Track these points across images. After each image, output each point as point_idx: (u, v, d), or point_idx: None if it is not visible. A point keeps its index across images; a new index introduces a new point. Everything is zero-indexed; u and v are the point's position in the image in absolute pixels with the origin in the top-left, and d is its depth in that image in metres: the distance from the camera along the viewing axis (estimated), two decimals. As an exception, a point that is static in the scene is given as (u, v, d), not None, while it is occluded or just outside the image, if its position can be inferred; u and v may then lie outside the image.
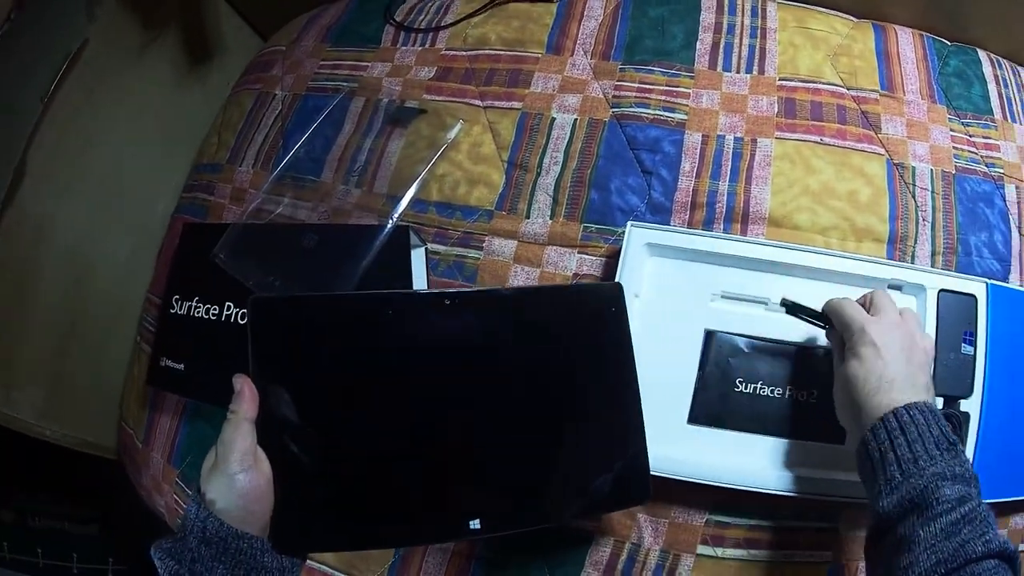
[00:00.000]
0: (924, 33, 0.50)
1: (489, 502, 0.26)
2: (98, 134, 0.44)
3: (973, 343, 0.36)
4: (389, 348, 0.26)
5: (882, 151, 0.41)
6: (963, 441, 0.35)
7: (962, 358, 0.37)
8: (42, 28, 0.39)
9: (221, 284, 0.35)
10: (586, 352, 0.27)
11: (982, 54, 0.52)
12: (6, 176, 0.36)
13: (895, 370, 0.25)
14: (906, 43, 0.48)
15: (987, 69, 0.49)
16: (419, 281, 0.37)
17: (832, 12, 0.49)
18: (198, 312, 0.37)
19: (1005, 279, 0.41)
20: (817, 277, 0.34)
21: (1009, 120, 0.46)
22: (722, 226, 0.35)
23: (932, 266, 0.38)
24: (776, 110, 0.40)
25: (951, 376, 0.36)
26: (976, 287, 0.37)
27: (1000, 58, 0.52)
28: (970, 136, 0.44)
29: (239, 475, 0.22)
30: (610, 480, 0.26)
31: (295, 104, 0.44)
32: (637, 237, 0.32)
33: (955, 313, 0.37)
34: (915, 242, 0.39)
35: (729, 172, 0.36)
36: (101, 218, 0.45)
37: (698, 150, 0.37)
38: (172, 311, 0.39)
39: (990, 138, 0.44)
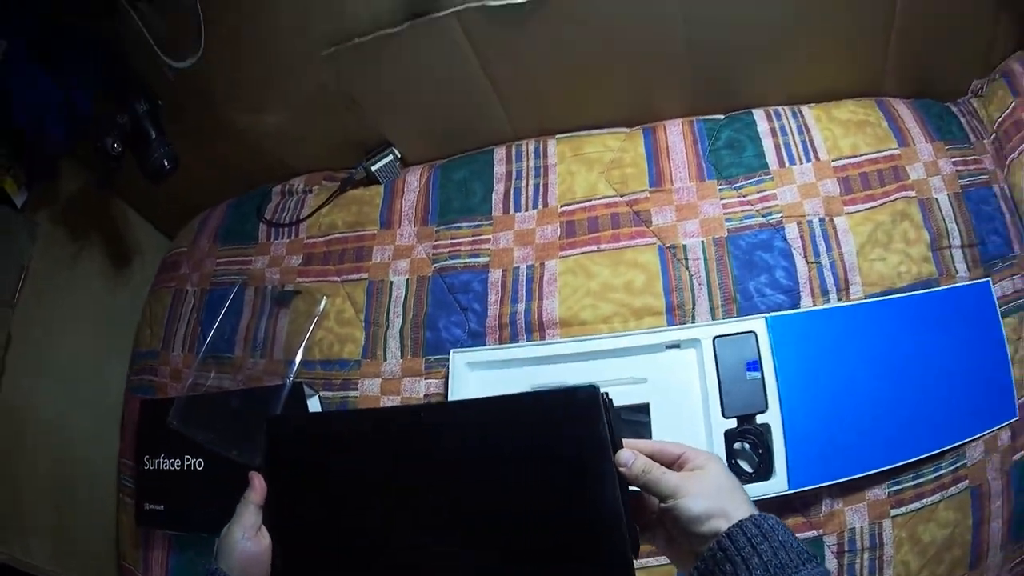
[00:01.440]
0: (695, 119, 0.86)
1: None
2: (54, 332, 0.83)
3: (759, 368, 0.69)
4: (379, 453, 0.46)
5: (654, 240, 0.77)
6: (770, 449, 0.65)
7: (750, 383, 0.69)
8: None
9: (178, 443, 0.72)
10: (560, 445, 0.43)
11: (758, 113, 0.88)
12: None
13: (727, 497, 0.40)
14: (676, 136, 0.86)
15: (762, 126, 0.87)
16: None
17: (606, 131, 0.85)
18: (165, 465, 0.75)
19: (796, 305, 0.75)
20: (607, 356, 0.65)
21: (787, 165, 0.83)
22: (525, 337, 0.68)
23: (713, 319, 0.72)
24: (559, 234, 0.76)
25: (743, 399, 0.69)
26: (755, 324, 0.69)
27: (778, 108, 0.88)
28: (743, 196, 0.80)
29: (242, 542, 0.42)
30: (585, 562, 0.41)
31: (203, 297, 0.84)
32: (459, 360, 0.66)
33: (734, 350, 0.71)
34: (693, 305, 0.75)
35: (524, 294, 0.71)
36: (69, 401, 0.84)
37: (500, 283, 0.72)
38: (145, 467, 0.76)
39: (765, 190, 0.81)
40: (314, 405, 0.79)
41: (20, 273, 0.82)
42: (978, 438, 0.76)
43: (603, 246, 0.78)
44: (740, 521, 0.39)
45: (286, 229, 0.87)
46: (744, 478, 0.70)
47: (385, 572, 0.46)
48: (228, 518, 0.70)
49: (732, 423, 0.71)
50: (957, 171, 0.86)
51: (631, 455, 0.42)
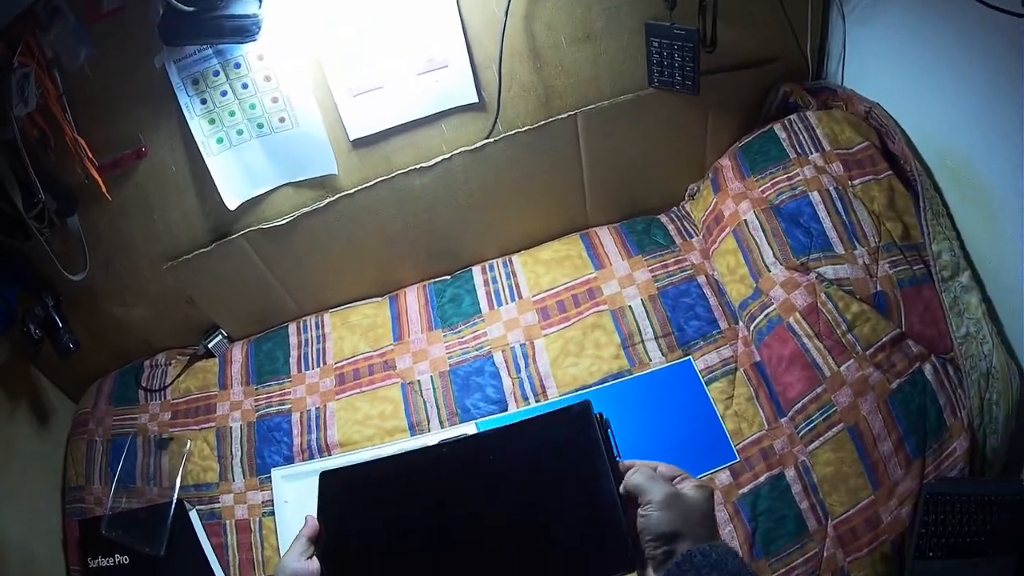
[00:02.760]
0: (428, 282, 1.62)
1: None
2: (7, 473, 1.57)
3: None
4: (407, 490, 0.83)
5: (398, 379, 1.47)
6: None
7: None
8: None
9: (109, 546, 1.52)
10: (565, 458, 0.77)
11: (476, 269, 1.61)
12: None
13: (693, 522, 0.65)
14: (412, 299, 1.58)
15: (478, 279, 1.58)
16: (197, 526, 1.53)
17: (364, 302, 1.62)
18: (104, 563, 1.56)
19: (504, 410, 1.44)
20: None
21: (495, 307, 1.54)
22: (319, 455, 1.47)
23: (442, 428, 1.44)
24: (334, 384, 1.50)
25: None
26: (468, 427, 1.42)
27: (493, 261, 1.62)
28: (461, 337, 1.51)
29: (293, 563, 0.76)
30: (594, 558, 0.72)
31: (108, 446, 1.51)
32: (276, 475, 1.46)
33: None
34: (428, 421, 1.44)
35: (315, 427, 1.49)
36: (26, 531, 1.59)
37: (300, 421, 1.51)
38: (91, 567, 1.57)
39: (478, 330, 1.51)
40: (194, 516, 1.60)
41: None
42: None
43: (363, 388, 1.46)
44: (690, 550, 0.61)
45: (157, 393, 1.58)
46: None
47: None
48: None
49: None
50: (654, 276, 1.47)
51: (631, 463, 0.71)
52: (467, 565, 0.78)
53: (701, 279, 1.53)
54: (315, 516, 0.83)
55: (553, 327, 1.51)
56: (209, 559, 1.51)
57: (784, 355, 1.35)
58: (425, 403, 1.47)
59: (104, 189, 1.27)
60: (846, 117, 1.43)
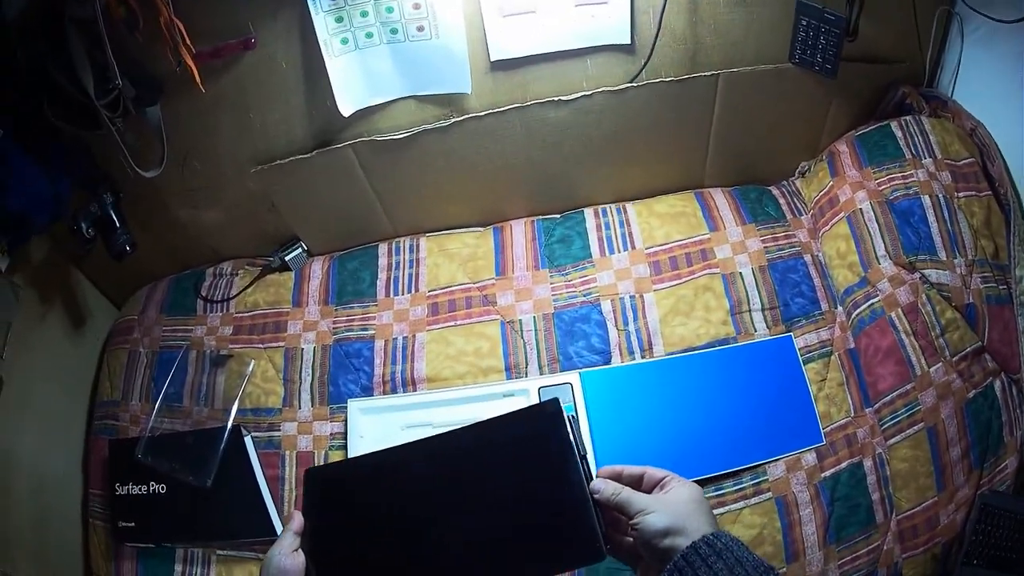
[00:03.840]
0: (536, 218, 1.52)
1: None
2: (29, 381, 1.38)
3: (574, 411, 1.33)
4: (388, 486, 0.86)
5: (497, 316, 1.37)
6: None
7: None
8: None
9: (144, 472, 1.36)
10: (536, 455, 0.80)
11: (588, 212, 1.51)
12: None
13: (690, 516, 0.65)
14: (519, 233, 1.48)
15: (590, 223, 1.48)
16: (252, 454, 1.36)
17: (465, 231, 1.52)
18: (134, 491, 1.38)
19: (607, 363, 1.36)
20: (461, 403, 1.33)
21: (607, 255, 1.45)
22: (402, 389, 1.35)
23: (541, 374, 1.35)
24: (426, 313, 1.38)
25: None
26: (571, 377, 1.33)
27: (606, 206, 1.53)
28: (569, 281, 1.41)
29: (279, 557, 0.78)
30: (564, 548, 0.76)
31: (154, 359, 1.43)
32: (354, 407, 1.33)
33: (553, 397, 1.11)
34: (527, 364, 1.35)
35: (401, 358, 1.37)
36: (43, 442, 1.40)
37: (383, 350, 1.37)
38: (117, 494, 1.39)
39: (588, 275, 1.42)
40: (249, 443, 1.43)
41: (7, 329, 1.34)
42: (779, 459, 1.29)
43: (459, 322, 1.36)
44: (694, 541, 0.61)
45: (219, 305, 1.45)
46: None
47: (399, 571, 0.80)
48: (188, 529, 1.46)
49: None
50: (765, 247, 1.42)
51: (601, 483, 0.72)
52: (442, 559, 0.83)
53: (807, 258, 1.49)
54: (299, 511, 0.85)
55: (664, 283, 1.45)
56: (263, 493, 1.37)
57: (882, 347, 1.35)
58: (525, 345, 1.39)
59: (199, 80, 1.13)
60: (955, 130, 1.45)
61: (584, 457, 0.80)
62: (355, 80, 1.24)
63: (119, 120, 1.18)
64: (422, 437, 0.88)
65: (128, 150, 1.20)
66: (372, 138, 1.32)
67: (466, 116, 1.31)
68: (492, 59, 1.27)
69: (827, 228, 1.49)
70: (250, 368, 1.42)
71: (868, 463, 1.33)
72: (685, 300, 1.42)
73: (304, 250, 1.50)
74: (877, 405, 1.34)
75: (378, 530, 0.86)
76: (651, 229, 1.49)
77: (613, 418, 1.33)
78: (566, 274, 1.45)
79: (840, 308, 1.44)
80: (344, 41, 1.21)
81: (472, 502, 0.84)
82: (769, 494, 1.31)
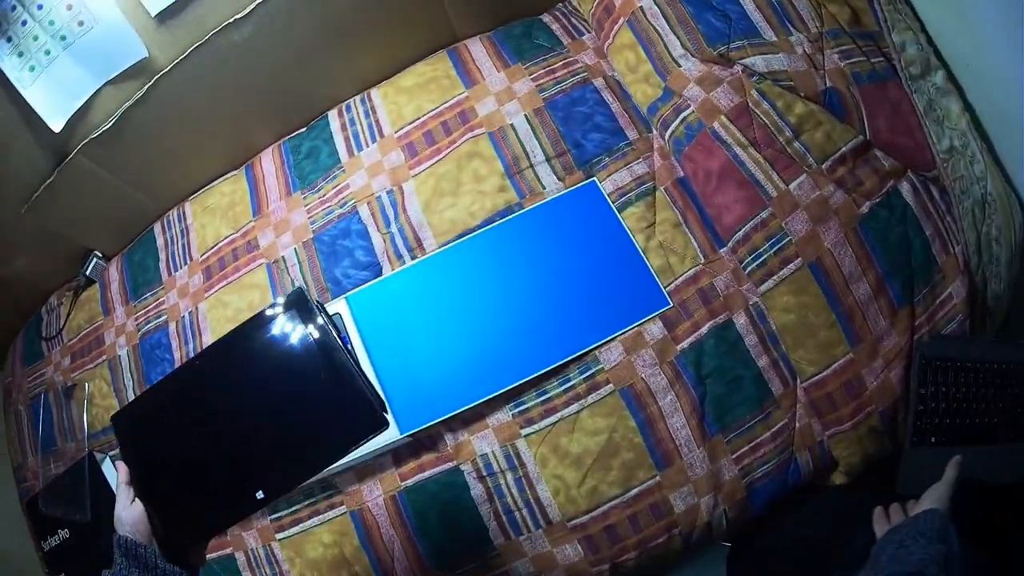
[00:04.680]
0: (284, 139, 1.38)
1: (267, 477, 0.93)
2: None
3: (348, 341, 1.13)
4: (179, 405, 1.04)
5: (263, 260, 1.26)
6: None
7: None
8: None
9: (50, 523, 1.43)
10: (299, 345, 0.96)
11: (332, 114, 1.35)
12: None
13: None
14: (268, 163, 1.35)
15: (334, 124, 1.32)
16: (110, 475, 1.29)
17: (222, 179, 1.43)
18: (52, 542, 1.43)
19: (378, 275, 1.19)
20: None
21: (356, 154, 1.28)
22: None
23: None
24: (201, 281, 1.31)
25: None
26: (339, 305, 1.16)
27: (349, 100, 1.35)
28: (322, 197, 1.27)
29: (123, 513, 0.93)
30: (349, 427, 0.93)
31: (29, 412, 1.54)
32: None
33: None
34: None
35: (191, 335, 1.33)
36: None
37: (177, 332, 1.36)
38: (45, 549, 1.45)
39: (339, 183, 1.26)
40: (107, 466, 1.38)
41: None
42: (610, 340, 1.09)
43: (230, 279, 1.29)
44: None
45: (56, 339, 1.49)
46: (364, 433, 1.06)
47: (215, 479, 0.92)
48: (98, 564, 1.49)
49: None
50: (538, 85, 1.22)
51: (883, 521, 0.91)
52: (235, 462, 0.91)
53: (599, 82, 1.25)
54: (121, 462, 0.91)
55: (422, 164, 1.27)
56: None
57: (712, 169, 1.09)
58: (292, 281, 1.28)
59: None
60: None
61: (342, 337, 0.83)
62: (54, 96, 1.27)
63: None
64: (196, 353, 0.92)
65: None
66: (90, 137, 1.31)
67: (156, 76, 1.25)
68: (153, 14, 1.21)
69: (610, 40, 1.25)
70: (86, 391, 1.43)
71: (741, 320, 1.09)
72: (448, 177, 1.24)
73: (100, 258, 1.50)
74: (731, 243, 1.09)
75: (183, 447, 0.94)
76: (398, 108, 1.31)
77: (395, 338, 1.17)
78: (318, 190, 1.32)
79: (655, 132, 1.19)
80: (32, 68, 1.24)
81: (250, 402, 0.93)
82: (609, 387, 1.10)
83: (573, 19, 1.32)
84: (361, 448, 1.05)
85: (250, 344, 0.93)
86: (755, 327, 1.07)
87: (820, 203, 1.04)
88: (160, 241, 1.46)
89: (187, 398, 0.96)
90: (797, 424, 1.06)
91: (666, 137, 1.15)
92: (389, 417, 0.91)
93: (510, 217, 1.18)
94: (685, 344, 1.09)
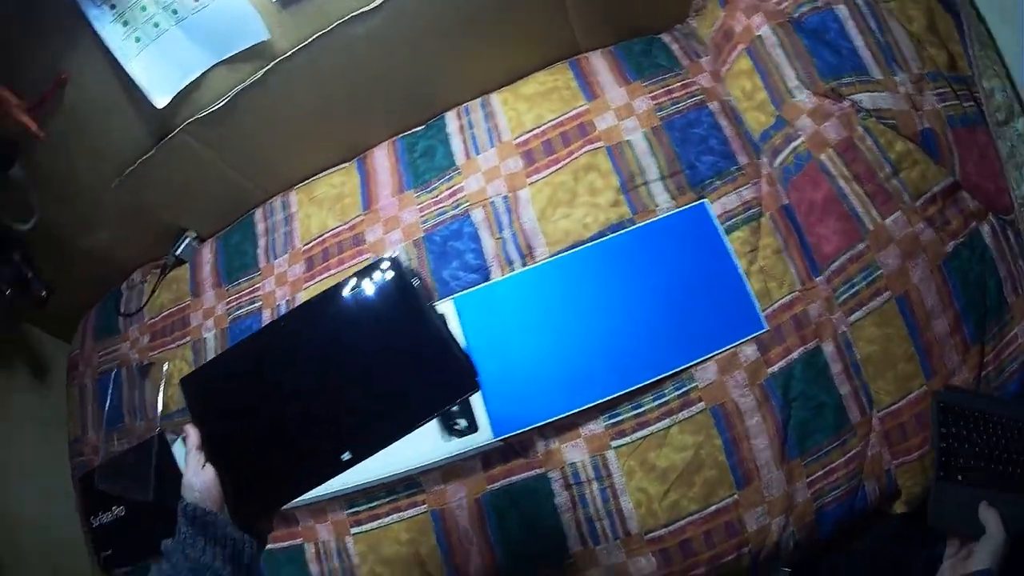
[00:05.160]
0: (398, 137, 1.32)
1: (354, 439, 0.78)
2: (11, 443, 1.41)
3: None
4: (261, 367, 0.85)
5: (369, 255, 1.21)
6: (471, 409, 1.07)
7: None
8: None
9: (106, 499, 1.36)
10: (389, 308, 0.82)
11: (449, 115, 1.30)
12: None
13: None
14: (382, 157, 1.30)
15: (452, 126, 1.28)
16: (180, 458, 1.25)
17: (332, 171, 1.36)
18: (104, 519, 1.38)
19: (487, 279, 1.15)
20: None
21: (473, 156, 1.24)
22: None
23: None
24: (302, 271, 1.25)
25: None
26: (445, 306, 1.12)
27: (468, 104, 1.30)
28: (436, 197, 1.22)
29: (193, 479, 0.76)
30: (439, 388, 0.79)
31: (96, 387, 1.42)
32: None
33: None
34: None
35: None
36: (39, 499, 1.43)
37: (269, 318, 1.26)
38: (94, 526, 1.39)
39: (455, 184, 1.22)
40: (177, 447, 1.27)
41: None
42: (707, 359, 1.05)
43: (332, 271, 1.24)
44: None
45: (135, 317, 1.43)
46: (460, 433, 1.08)
47: (297, 442, 0.81)
48: (151, 545, 1.38)
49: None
50: (657, 104, 1.19)
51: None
52: (332, 423, 0.82)
53: (714, 106, 1.20)
54: (192, 426, 0.82)
55: (539, 173, 1.22)
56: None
57: (816, 200, 1.06)
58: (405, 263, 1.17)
59: (35, 129, 1.14)
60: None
61: (432, 304, 0.81)
62: (160, 71, 1.19)
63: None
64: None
65: (8, 211, 1.26)
66: (197, 116, 1.24)
67: (276, 61, 1.19)
68: (276, -1, 1.09)
69: (727, 66, 1.20)
70: (165, 371, 1.32)
71: (829, 348, 1.05)
72: (564, 187, 1.19)
73: (193, 238, 1.40)
74: (827, 273, 1.05)
75: (260, 414, 0.85)
76: (518, 115, 1.26)
77: (498, 343, 1.12)
78: (432, 189, 1.27)
79: (764, 158, 1.15)
80: (137, 40, 1.16)
81: (337, 364, 0.84)
82: (701, 404, 1.06)
83: (691, 41, 1.29)
84: (454, 445, 1.07)
85: (338, 307, 0.86)
86: (841, 355, 1.05)
87: (911, 239, 1.02)
88: (260, 227, 1.41)
89: (268, 359, 0.86)
90: (869, 452, 1.04)
91: (775, 165, 1.13)
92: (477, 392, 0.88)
93: (622, 232, 1.15)
94: (776, 368, 1.05)
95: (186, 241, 1.42)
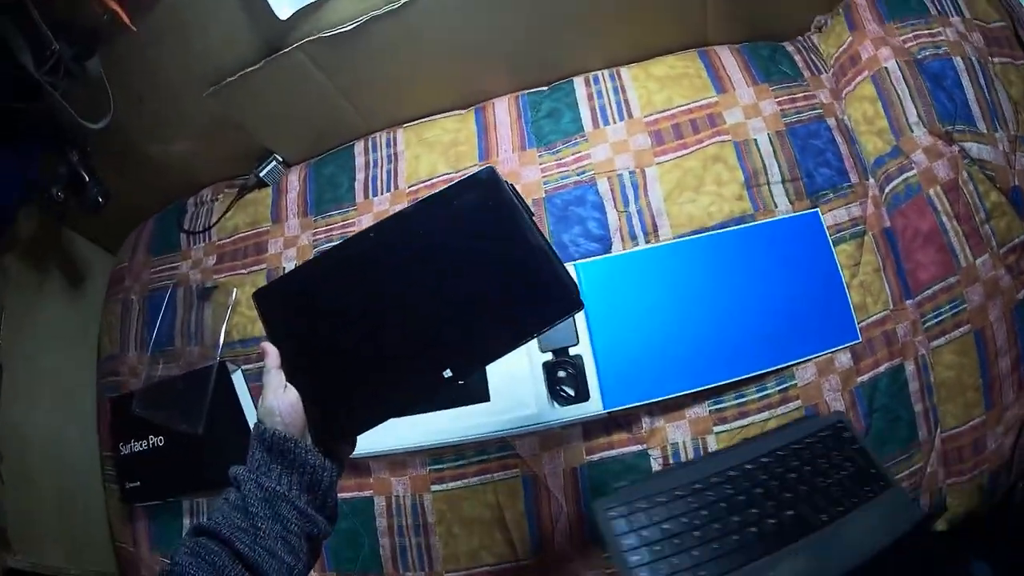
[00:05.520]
0: (521, 93, 1.23)
1: (452, 356, 0.68)
2: (34, 355, 1.24)
3: None
4: (348, 279, 0.71)
5: None
6: (584, 377, 1.03)
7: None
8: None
9: (142, 427, 1.18)
10: (489, 221, 0.69)
11: (578, 81, 1.23)
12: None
13: None
14: (503, 111, 1.22)
15: (580, 92, 1.22)
16: (241, 391, 1.16)
17: (445, 115, 1.26)
18: (136, 448, 1.19)
19: (607, 251, 1.10)
20: None
21: (601, 126, 1.18)
22: None
23: None
24: None
25: (556, 335, 1.05)
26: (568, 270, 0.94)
27: (597, 73, 1.23)
28: (560, 159, 1.16)
29: (275, 402, 0.64)
30: (542, 305, 0.67)
31: (144, 304, 1.27)
32: None
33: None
34: None
35: None
36: (56, 414, 1.27)
37: None
38: (122, 453, 1.21)
39: (580, 151, 1.16)
40: (238, 379, 1.18)
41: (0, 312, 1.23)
42: (808, 360, 1.06)
43: None
44: None
45: (201, 235, 1.31)
46: (567, 400, 1.04)
47: (391, 359, 0.73)
48: (188, 480, 1.22)
49: (549, 356, 1.06)
50: (782, 110, 1.17)
51: None
52: (419, 339, 0.73)
53: (831, 122, 1.19)
54: (269, 343, 0.73)
55: (668, 154, 1.18)
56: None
57: (921, 230, 1.09)
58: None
59: (127, 19, 1.01)
60: (981, -13, 1.14)
61: (532, 216, 0.72)
62: None
63: (62, 83, 1.07)
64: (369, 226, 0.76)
65: (77, 106, 1.08)
66: (319, 35, 1.13)
67: None
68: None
69: (851, 88, 1.20)
70: (233, 297, 1.19)
71: (911, 367, 1.07)
72: (693, 173, 1.16)
73: (279, 162, 1.27)
74: (918, 298, 1.08)
75: (349, 329, 0.75)
76: (649, 94, 1.22)
77: (616, 315, 1.09)
78: (556, 152, 1.21)
79: (872, 180, 1.16)
80: None
81: (435, 278, 0.74)
82: (798, 402, 1.06)
83: (812, 55, 1.28)
84: (561, 411, 1.02)
85: (433, 218, 0.75)
86: (919, 376, 1.08)
87: (993, 282, 1.07)
88: (360, 160, 1.30)
89: (354, 271, 0.75)
90: (928, 469, 1.06)
91: (885, 190, 1.14)
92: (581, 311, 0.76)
93: (744, 226, 1.13)
94: (864, 378, 1.07)
95: (271, 164, 1.29)
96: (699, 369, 1.07)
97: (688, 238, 1.12)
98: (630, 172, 1.16)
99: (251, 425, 1.04)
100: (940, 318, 1.06)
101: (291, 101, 1.23)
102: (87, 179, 1.20)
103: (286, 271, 1.22)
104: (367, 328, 0.74)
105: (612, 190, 1.16)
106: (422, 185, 1.22)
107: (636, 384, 1.06)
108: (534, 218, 0.72)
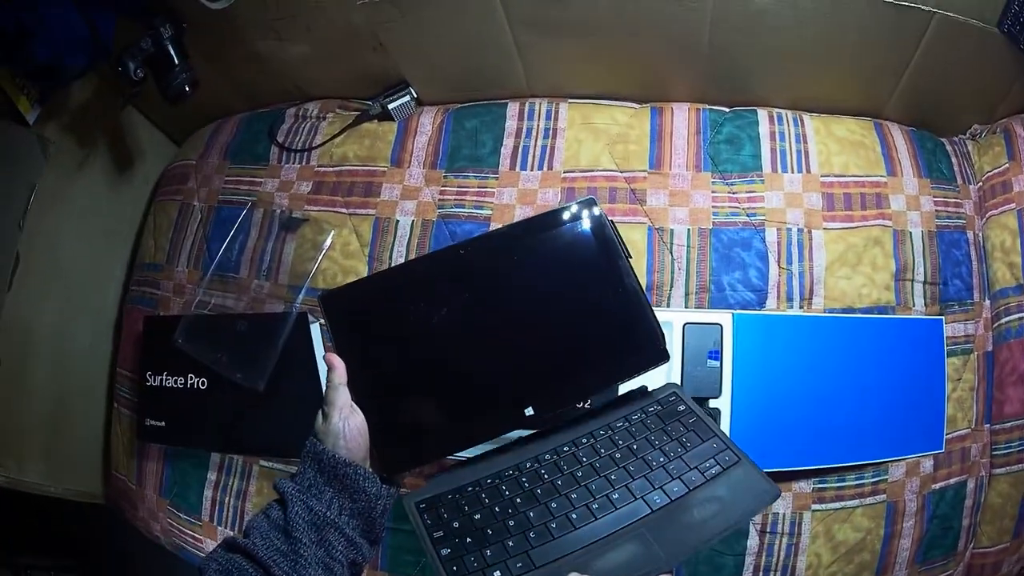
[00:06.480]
0: (702, 107, 1.04)
1: (536, 393, 0.59)
2: (58, 241, 0.96)
3: (719, 358, 0.90)
4: (431, 296, 0.60)
5: (645, 220, 0.95)
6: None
7: (709, 370, 0.90)
8: (8, 165, 0.88)
9: (182, 361, 0.86)
10: (584, 257, 0.61)
11: (762, 113, 1.07)
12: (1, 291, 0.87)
13: None
14: (681, 121, 1.03)
15: (763, 127, 1.06)
16: (318, 347, 0.87)
17: (617, 104, 1.03)
18: (168, 383, 0.89)
19: (762, 305, 0.96)
20: None
21: (779, 171, 1.01)
22: None
23: (685, 306, 0.92)
24: (559, 199, 0.94)
25: (701, 383, 0.90)
26: (723, 317, 0.91)
27: (781, 111, 1.07)
28: (733, 193, 0.99)
29: (340, 423, 0.53)
30: (630, 354, 0.59)
31: (211, 215, 0.98)
32: None
33: (700, 338, 0.93)
34: (670, 288, 0.94)
35: None
36: (69, 311, 0.98)
37: None
38: (148, 384, 0.90)
39: (755, 192, 0.99)
40: (315, 332, 0.92)
41: (30, 192, 0.95)
42: (902, 459, 0.99)
43: None
44: None
45: (297, 154, 1.03)
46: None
47: (470, 387, 0.63)
48: (229, 437, 0.90)
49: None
50: (936, 210, 1.07)
51: None
52: (503, 371, 0.64)
53: (970, 235, 1.10)
54: (335, 354, 0.61)
55: (836, 222, 1.03)
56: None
57: (1019, 369, 1.01)
58: (674, 262, 0.99)
59: None
60: None
61: (629, 258, 0.64)
62: None
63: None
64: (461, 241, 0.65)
65: None
66: None
67: None
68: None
69: (995, 213, 1.10)
70: (329, 238, 0.89)
71: (971, 484, 1.03)
72: (854, 250, 1.03)
73: (413, 98, 1.01)
74: (996, 427, 1.03)
75: (427, 352, 0.63)
76: (829, 154, 1.08)
77: (757, 372, 0.97)
78: (731, 184, 1.04)
79: (988, 303, 1.08)
80: None
81: (526, 308, 0.64)
82: (883, 496, 0.99)
83: (965, 162, 1.16)
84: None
85: (529, 243, 0.65)
86: (975, 495, 1.03)
87: None
88: (511, 124, 1.05)
89: (439, 288, 0.64)
90: None
91: (1001, 320, 1.06)
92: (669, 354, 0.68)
93: (885, 317, 1.02)
94: (937, 486, 1.01)
95: (405, 98, 1.01)
96: (818, 447, 0.98)
97: (839, 315, 1.01)
98: (799, 229, 1.03)
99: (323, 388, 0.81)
100: (1009, 451, 1.01)
101: (456, 35, 1.00)
102: (176, 61, 0.93)
103: (397, 226, 0.92)
104: (447, 352, 0.65)
105: (779, 243, 1.02)
106: (580, 175, 1.02)
107: (761, 450, 0.92)
108: (631, 259, 0.65)
